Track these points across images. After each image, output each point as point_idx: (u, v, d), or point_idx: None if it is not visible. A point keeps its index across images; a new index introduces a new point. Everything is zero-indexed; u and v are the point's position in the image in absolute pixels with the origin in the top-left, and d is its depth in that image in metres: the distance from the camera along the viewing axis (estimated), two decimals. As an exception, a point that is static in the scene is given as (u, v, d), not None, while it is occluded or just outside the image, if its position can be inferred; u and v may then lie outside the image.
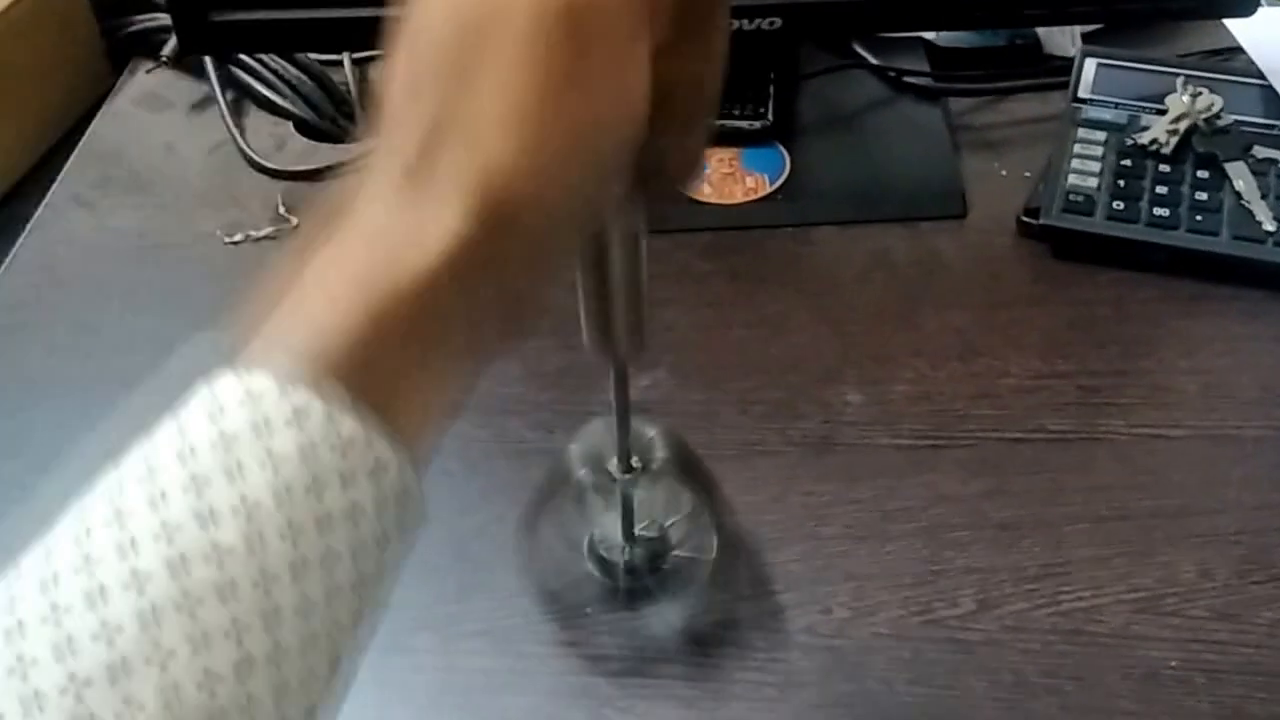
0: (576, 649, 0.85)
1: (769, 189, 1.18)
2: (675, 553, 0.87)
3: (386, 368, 0.50)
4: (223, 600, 0.44)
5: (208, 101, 1.30)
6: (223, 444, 0.46)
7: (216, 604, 0.44)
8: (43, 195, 1.23)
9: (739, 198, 1.17)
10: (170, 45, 1.33)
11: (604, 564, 0.87)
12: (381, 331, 0.49)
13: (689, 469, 0.85)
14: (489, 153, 0.50)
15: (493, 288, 0.53)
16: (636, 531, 0.85)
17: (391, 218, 0.51)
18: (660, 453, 0.80)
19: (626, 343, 0.67)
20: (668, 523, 0.87)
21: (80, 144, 1.29)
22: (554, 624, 0.86)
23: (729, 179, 1.19)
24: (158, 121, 1.31)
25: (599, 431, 0.79)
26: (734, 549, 0.89)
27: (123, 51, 1.38)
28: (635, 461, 0.79)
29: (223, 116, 1.27)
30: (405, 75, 0.53)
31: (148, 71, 1.36)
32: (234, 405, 0.46)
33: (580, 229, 0.58)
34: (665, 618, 0.86)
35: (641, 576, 0.86)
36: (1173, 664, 0.83)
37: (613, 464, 0.79)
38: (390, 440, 0.48)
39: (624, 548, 0.86)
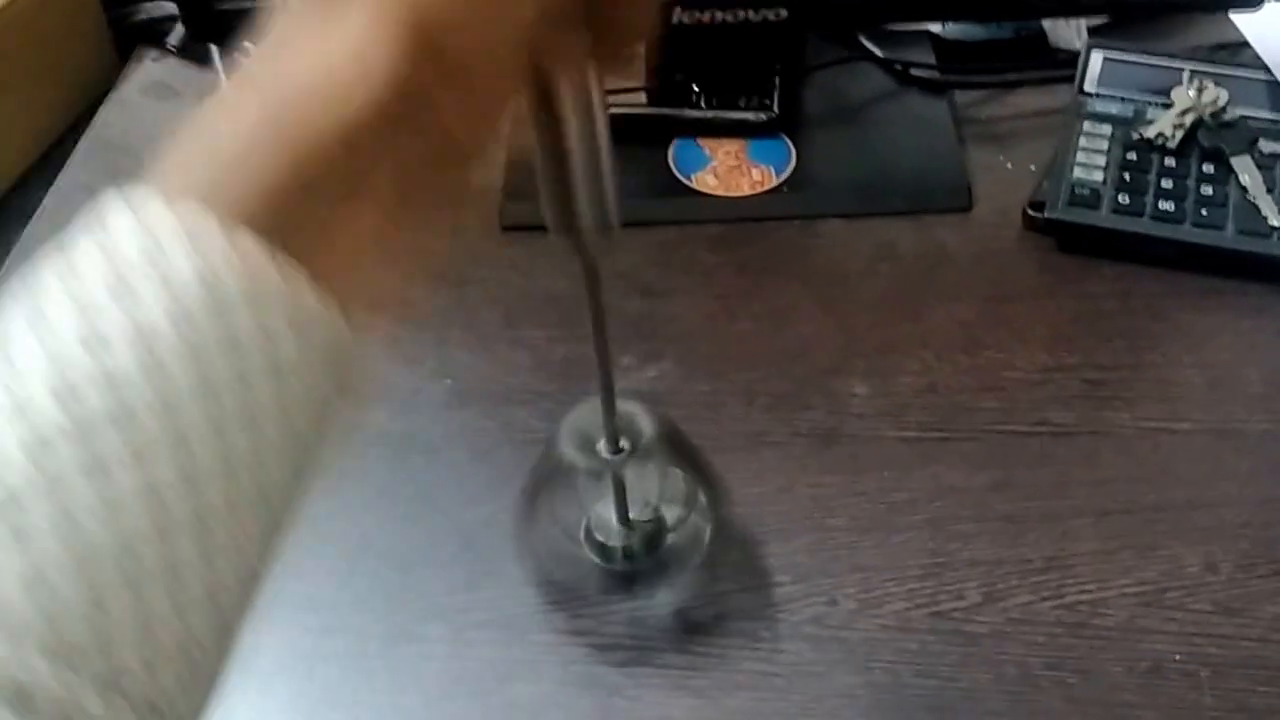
0: (585, 638, 0.85)
1: (775, 181, 1.19)
2: (671, 534, 0.87)
3: (305, 212, 0.46)
4: (118, 428, 0.41)
5: (214, 91, 1.29)
6: (113, 272, 0.42)
7: (111, 432, 0.41)
8: (50, 184, 1.23)
9: (745, 190, 1.18)
10: (177, 34, 1.33)
11: (602, 549, 0.87)
12: (298, 170, 0.46)
13: (678, 449, 0.85)
14: None
15: (421, 127, 0.49)
16: (631, 515, 0.86)
17: (307, 49, 0.48)
18: (647, 433, 0.80)
19: (591, 222, 0.63)
20: (661, 505, 0.87)
21: (87, 133, 1.29)
22: (562, 613, 0.87)
23: (735, 171, 1.19)
24: (165, 111, 1.31)
25: (585, 415, 0.80)
26: (740, 539, 0.90)
27: (129, 40, 1.38)
28: (623, 443, 0.79)
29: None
30: None
31: (154, 60, 1.36)
32: (125, 233, 0.43)
33: (511, 67, 0.53)
34: (673, 607, 0.86)
35: (639, 560, 0.87)
36: (1177, 657, 0.83)
37: (602, 446, 0.79)
38: (306, 276, 0.45)
39: (620, 532, 0.86)
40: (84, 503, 0.40)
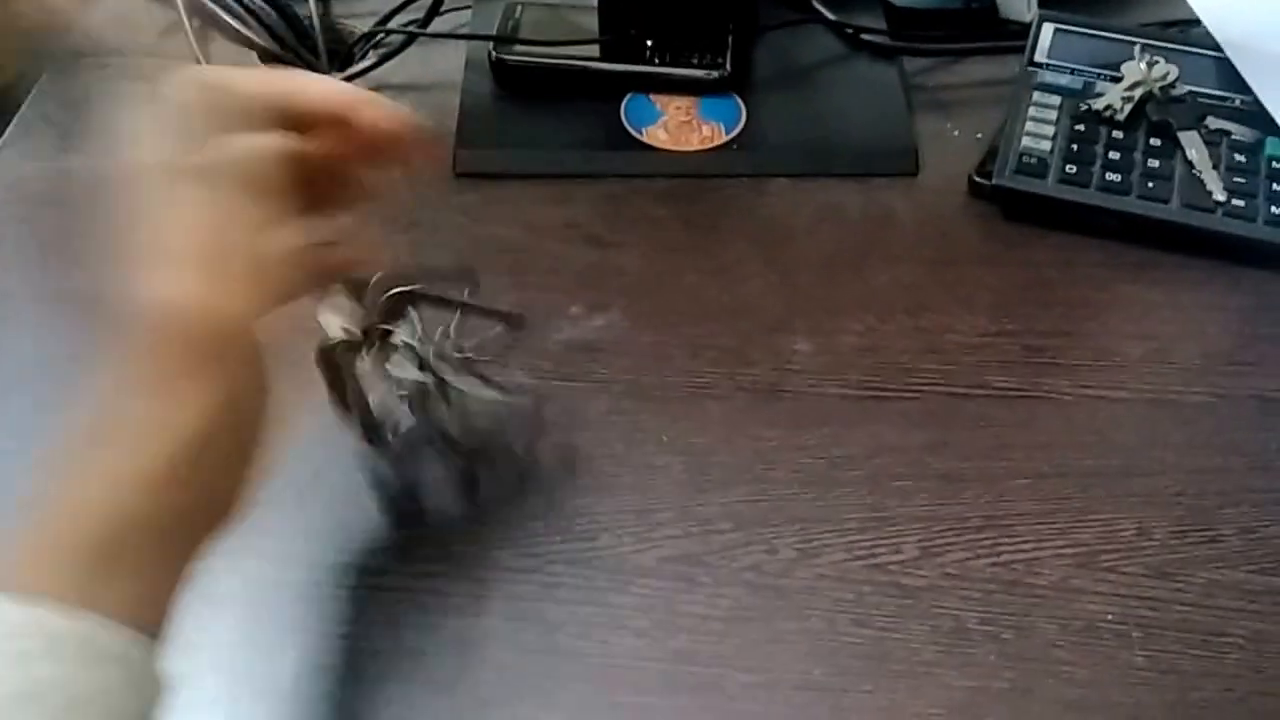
0: (530, 576, 0.85)
1: (725, 139, 1.19)
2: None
3: (120, 565, 0.59)
4: None
5: (175, 28, 1.29)
6: None
7: None
8: (11, 114, 1.22)
9: (695, 146, 1.18)
10: (143, -35, 1.33)
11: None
12: (112, 534, 0.59)
13: None
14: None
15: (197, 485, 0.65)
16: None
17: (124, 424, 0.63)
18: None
19: None
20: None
21: (49, 65, 1.28)
22: (509, 551, 0.87)
23: (686, 127, 1.19)
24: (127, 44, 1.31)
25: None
26: (681, 487, 0.90)
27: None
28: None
29: (190, 44, 1.26)
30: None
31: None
32: None
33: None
34: (615, 550, 0.87)
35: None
36: (1109, 617, 0.84)
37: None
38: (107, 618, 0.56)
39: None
40: None
